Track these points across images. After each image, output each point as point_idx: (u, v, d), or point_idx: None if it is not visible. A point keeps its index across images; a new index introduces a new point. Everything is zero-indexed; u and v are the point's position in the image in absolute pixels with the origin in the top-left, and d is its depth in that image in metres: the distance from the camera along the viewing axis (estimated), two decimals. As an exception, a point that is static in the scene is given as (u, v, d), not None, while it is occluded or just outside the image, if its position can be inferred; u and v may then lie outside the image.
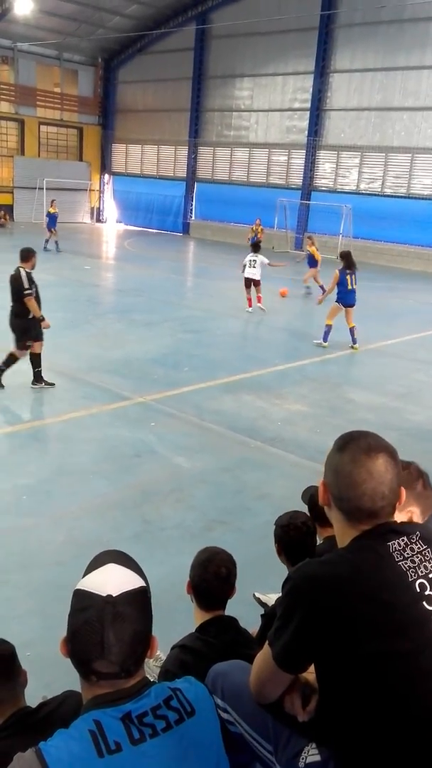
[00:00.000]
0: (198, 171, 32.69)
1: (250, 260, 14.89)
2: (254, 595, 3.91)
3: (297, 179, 29.09)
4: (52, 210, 22.46)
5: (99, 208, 36.09)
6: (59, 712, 1.96)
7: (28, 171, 31.47)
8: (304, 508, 3.25)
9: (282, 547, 3.02)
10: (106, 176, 36.06)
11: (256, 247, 15.61)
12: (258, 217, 25.06)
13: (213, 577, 2.59)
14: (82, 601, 1.42)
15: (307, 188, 28.63)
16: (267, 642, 1.69)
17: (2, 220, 29.20)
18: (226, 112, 31.02)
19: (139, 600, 1.45)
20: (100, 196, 36.29)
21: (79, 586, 1.46)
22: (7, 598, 4.41)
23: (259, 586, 3.94)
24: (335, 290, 11.91)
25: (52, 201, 23.50)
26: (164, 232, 33.05)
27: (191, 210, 33.02)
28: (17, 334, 8.48)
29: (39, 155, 33.57)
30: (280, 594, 1.67)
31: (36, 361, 8.66)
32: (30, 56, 31.52)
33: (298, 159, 28.86)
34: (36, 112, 33.00)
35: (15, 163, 32.18)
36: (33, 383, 8.69)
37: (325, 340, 11.93)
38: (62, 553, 4.85)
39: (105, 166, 36.01)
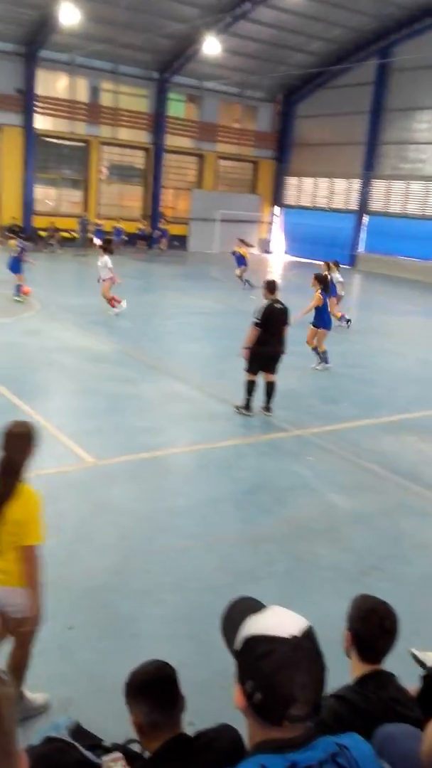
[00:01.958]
0: (370, 203, 32.41)
1: None
2: (411, 651, 3.72)
3: None
4: (239, 250, 21.89)
5: (267, 239, 36.83)
6: (215, 745, 1.97)
7: (204, 203, 32.86)
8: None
9: None
10: (277, 208, 36.77)
11: None
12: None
13: (377, 629, 2.51)
14: (265, 646, 1.38)
15: None
16: None
17: (51, 240, 29.15)
18: (403, 145, 30.55)
19: (314, 638, 1.43)
20: (268, 228, 37.06)
21: (253, 633, 1.42)
22: (161, 618, 4.55)
23: (416, 642, 3.74)
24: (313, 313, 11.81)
25: (240, 240, 22.73)
26: (330, 264, 32.96)
27: (359, 242, 32.73)
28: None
29: (215, 188, 35.02)
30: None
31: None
32: (214, 94, 33.13)
33: None
34: (215, 147, 34.53)
35: (192, 195, 33.79)
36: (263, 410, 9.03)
37: (327, 362, 11.84)
38: (215, 579, 4.93)
39: (277, 199, 36.76)
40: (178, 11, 25.91)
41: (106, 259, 15.49)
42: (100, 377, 10.35)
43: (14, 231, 25.54)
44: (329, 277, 13.30)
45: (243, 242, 22.41)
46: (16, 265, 16.39)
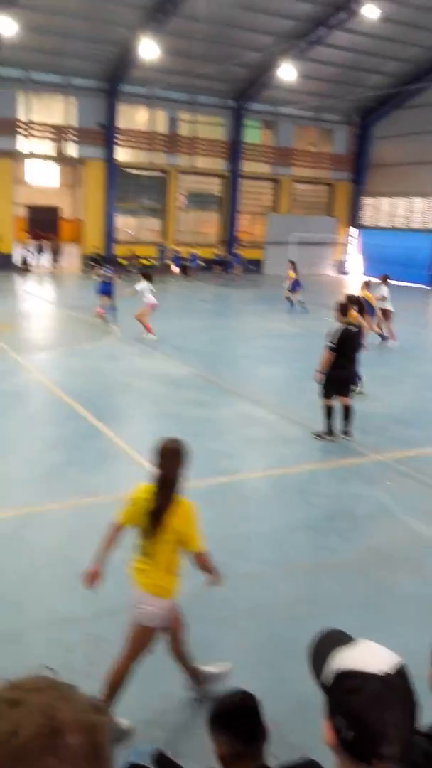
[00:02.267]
0: (449, 222, 31.73)
1: None
2: None
3: None
4: (292, 275, 21.58)
5: (344, 261, 36.56)
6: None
7: (279, 227, 33.00)
8: None
9: None
10: (354, 230, 36.48)
11: None
12: None
13: None
14: (355, 681, 1.35)
15: None
16: None
17: (131, 267, 28.51)
18: None
19: (407, 676, 1.40)
20: (345, 250, 36.81)
21: (342, 667, 1.40)
22: (239, 645, 4.53)
23: None
24: None
25: (292, 263, 22.29)
26: (407, 284, 32.36)
27: (439, 262, 32.03)
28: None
29: (290, 212, 35.15)
30: None
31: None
32: (289, 119, 33.41)
33: None
34: (291, 171, 34.73)
35: (268, 220, 34.02)
36: (343, 434, 8.96)
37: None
38: (293, 607, 4.87)
39: (353, 220, 36.50)
40: (253, 40, 26.38)
41: (146, 285, 15.41)
42: (177, 401, 10.50)
43: (96, 260, 26.44)
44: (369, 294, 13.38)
45: (293, 264, 21.72)
46: (106, 288, 17.20)
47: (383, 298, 15.49)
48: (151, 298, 15.31)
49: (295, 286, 21.12)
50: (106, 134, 29.44)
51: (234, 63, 26.62)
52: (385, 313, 15.48)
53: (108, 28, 25.00)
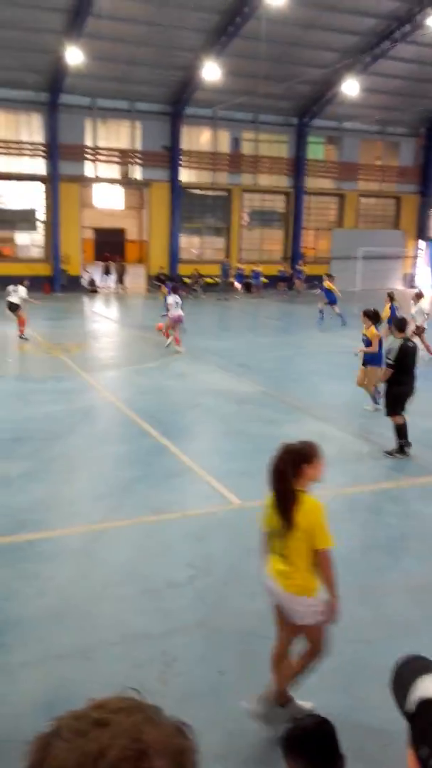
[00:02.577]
0: None
1: None
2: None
3: None
4: (327, 285, 21.16)
5: (412, 274, 35.85)
6: None
7: (345, 242, 32.67)
8: None
9: None
10: (422, 242, 35.79)
11: None
12: None
13: None
14: None
15: None
16: None
17: (195, 286, 29.08)
18: None
19: None
20: (413, 263, 36.11)
21: (427, 696, 1.33)
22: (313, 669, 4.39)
23: None
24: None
25: (329, 276, 21.92)
26: None
27: None
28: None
29: (356, 226, 34.80)
30: None
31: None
32: (353, 134, 33.19)
33: None
34: (356, 185, 34.44)
35: (333, 235, 33.75)
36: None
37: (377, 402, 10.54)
38: (369, 631, 4.70)
39: (422, 232, 35.81)
40: (316, 57, 26.41)
41: (173, 298, 15.97)
42: (244, 419, 10.43)
43: (160, 279, 26.85)
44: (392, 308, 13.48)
45: (330, 277, 21.50)
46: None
47: (422, 313, 15.32)
48: (177, 312, 15.84)
49: (332, 299, 20.63)
50: (170, 156, 29.96)
51: (297, 81, 26.69)
52: (419, 328, 15.13)
53: (172, 53, 25.52)
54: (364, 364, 10.78)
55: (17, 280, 17.93)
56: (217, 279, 29.90)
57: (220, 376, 13.45)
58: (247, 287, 29.96)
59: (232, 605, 5.18)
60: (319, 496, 7.44)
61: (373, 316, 10.69)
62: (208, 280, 29.78)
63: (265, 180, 32.49)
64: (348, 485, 7.97)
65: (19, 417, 10.26)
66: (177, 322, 15.85)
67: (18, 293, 17.04)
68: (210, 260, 31.70)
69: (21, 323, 16.85)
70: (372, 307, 11.19)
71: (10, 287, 17.33)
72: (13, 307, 16.88)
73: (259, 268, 30.26)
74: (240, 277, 29.73)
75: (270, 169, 32.32)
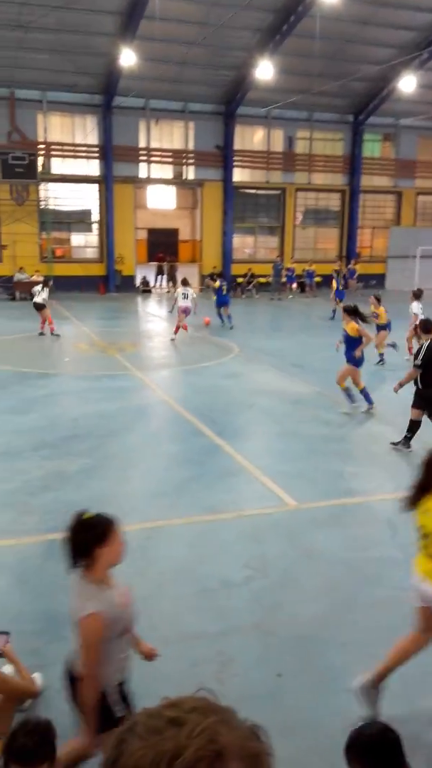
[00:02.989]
0: None
1: None
2: None
3: None
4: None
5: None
6: None
7: (403, 240, 32.05)
8: None
9: None
10: None
11: None
12: None
13: None
14: None
15: None
16: None
17: (249, 286, 29.37)
18: None
19: None
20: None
21: None
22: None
23: None
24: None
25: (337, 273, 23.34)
26: None
27: None
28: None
29: (414, 224, 34.14)
30: None
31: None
32: (411, 130, 32.53)
33: None
34: (414, 183, 33.78)
35: (390, 233, 33.18)
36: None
37: (370, 402, 10.52)
38: None
39: None
40: (372, 54, 26.02)
41: (181, 290, 17.79)
42: (299, 419, 10.33)
43: (213, 276, 26.93)
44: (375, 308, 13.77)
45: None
46: (224, 299, 19.43)
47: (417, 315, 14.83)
48: (185, 303, 17.32)
49: (340, 296, 21.67)
50: (223, 156, 29.98)
51: (352, 78, 26.33)
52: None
53: (224, 53, 25.54)
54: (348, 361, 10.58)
55: (71, 281, 18.46)
56: (269, 279, 29.79)
57: (274, 376, 13.37)
58: (301, 287, 29.75)
59: (288, 609, 5.12)
60: (378, 499, 7.32)
61: (352, 312, 10.49)
62: (261, 279, 29.69)
63: (319, 178, 32.18)
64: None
65: (76, 414, 10.41)
66: (183, 312, 17.34)
67: (42, 294, 17.87)
68: (263, 260, 31.58)
69: (49, 321, 17.70)
70: (352, 303, 11.13)
71: (36, 288, 18.18)
72: (39, 307, 17.76)
73: (313, 268, 29.99)
74: (292, 277, 29.54)
75: (324, 167, 32.00)
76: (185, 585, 5.45)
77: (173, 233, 41.45)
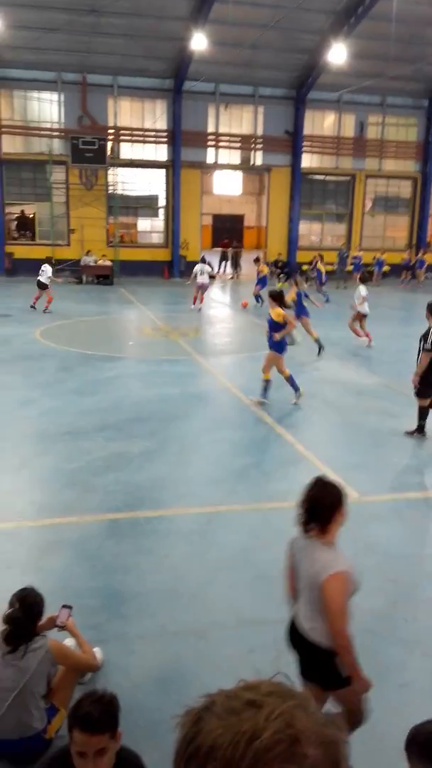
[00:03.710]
0: None
1: None
2: None
3: None
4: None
5: None
6: None
7: None
8: None
9: None
10: None
11: None
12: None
13: None
14: None
15: None
16: None
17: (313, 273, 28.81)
18: None
19: None
20: None
21: None
22: (424, 669, 4.22)
23: None
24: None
25: (320, 256, 24.79)
26: None
27: None
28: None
29: None
30: None
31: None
32: None
33: None
34: None
35: None
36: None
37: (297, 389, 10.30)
38: None
39: None
40: (450, 36, 25.16)
41: (198, 266, 20.16)
42: (363, 411, 10.17)
43: (277, 264, 26.79)
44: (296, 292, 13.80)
45: (321, 257, 24.48)
46: (264, 283, 20.75)
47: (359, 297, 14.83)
48: (201, 279, 19.50)
49: (321, 278, 23.31)
50: (292, 141, 29.61)
51: (428, 62, 25.53)
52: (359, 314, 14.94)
53: (297, 36, 25.14)
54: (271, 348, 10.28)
55: (136, 266, 18.89)
56: (333, 266, 29.36)
57: (339, 366, 13.20)
58: (369, 275, 29.20)
59: (348, 601, 5.06)
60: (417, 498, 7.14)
61: (277, 297, 10.17)
62: (328, 267, 29.30)
63: (390, 165, 31.44)
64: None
65: (138, 398, 10.54)
66: (200, 288, 19.87)
67: (45, 273, 18.73)
68: (330, 247, 31.16)
69: (48, 300, 18.51)
70: (277, 289, 10.94)
71: (46, 267, 19.02)
72: (42, 285, 18.70)
73: (383, 256, 29.37)
74: (357, 266, 29.02)
75: (396, 153, 31.23)
76: (244, 571, 5.46)
77: (238, 219, 41.30)
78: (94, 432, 8.81)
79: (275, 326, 10.04)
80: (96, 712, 2.60)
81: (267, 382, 10.28)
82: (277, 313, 10.02)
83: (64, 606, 3.90)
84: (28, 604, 3.63)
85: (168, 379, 11.79)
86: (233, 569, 5.50)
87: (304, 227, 31.52)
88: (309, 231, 32.00)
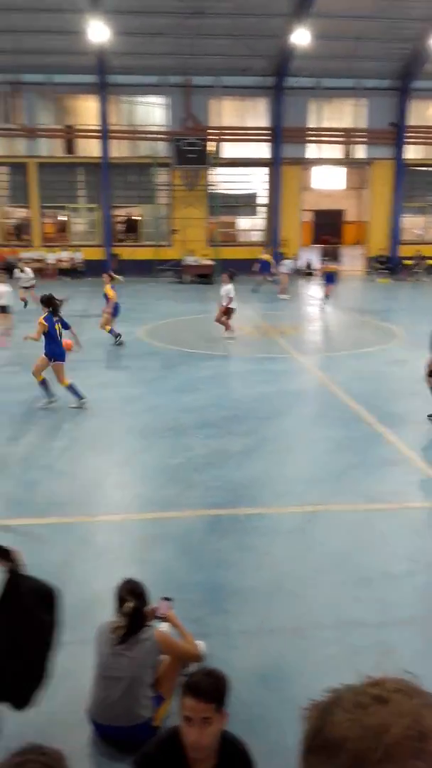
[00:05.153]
0: None
1: None
2: None
3: None
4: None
5: None
6: None
7: None
8: None
9: None
10: None
11: None
12: None
13: None
14: None
15: None
16: None
17: (417, 268, 27.33)
18: None
19: None
20: None
21: None
22: None
23: None
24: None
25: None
26: None
27: None
28: None
29: None
30: None
31: None
32: None
33: None
34: None
35: None
36: None
37: (81, 397, 9.78)
38: None
39: None
40: None
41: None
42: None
43: (380, 261, 26.15)
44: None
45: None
46: (331, 278, 20.68)
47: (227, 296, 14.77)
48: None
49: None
50: (396, 133, 28.83)
51: None
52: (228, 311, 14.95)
53: (401, 25, 24.47)
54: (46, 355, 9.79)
55: (236, 264, 18.91)
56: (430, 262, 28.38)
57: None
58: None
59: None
60: None
61: (46, 303, 9.76)
62: (430, 261, 28.37)
63: None
64: None
65: (237, 396, 10.65)
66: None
67: (26, 274, 19.51)
68: (433, 241, 30.16)
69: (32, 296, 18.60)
70: (47, 293, 10.28)
71: (23, 272, 19.77)
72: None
73: None
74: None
75: None
76: (344, 572, 5.43)
77: (338, 214, 40.62)
78: (195, 429, 8.99)
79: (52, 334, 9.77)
80: (205, 682, 2.87)
81: (43, 382, 9.96)
82: (40, 322, 9.80)
83: (164, 598, 4.04)
84: (139, 594, 3.78)
85: (267, 377, 11.82)
86: (334, 570, 5.48)
87: (406, 221, 30.64)
88: (412, 225, 31.07)
